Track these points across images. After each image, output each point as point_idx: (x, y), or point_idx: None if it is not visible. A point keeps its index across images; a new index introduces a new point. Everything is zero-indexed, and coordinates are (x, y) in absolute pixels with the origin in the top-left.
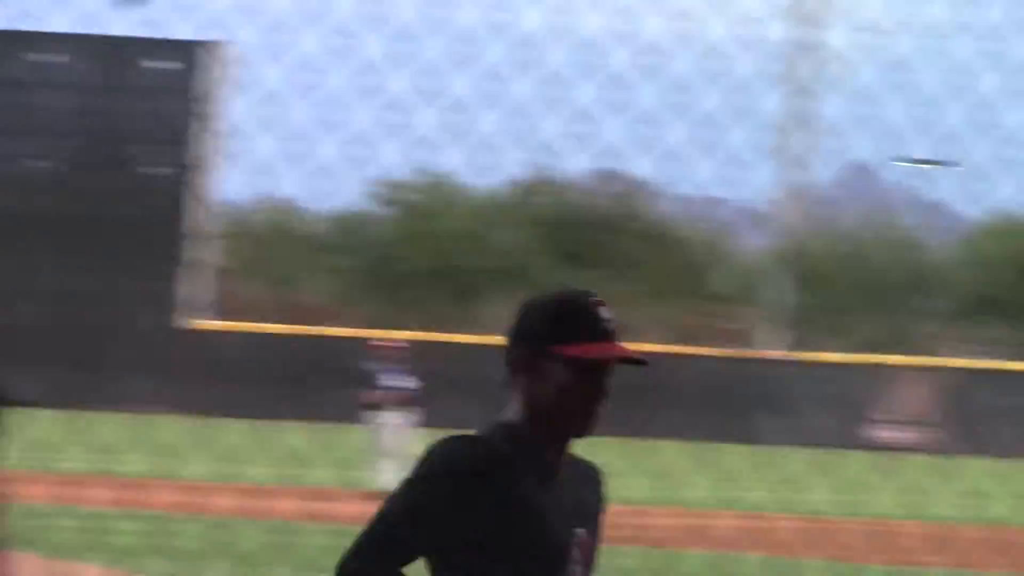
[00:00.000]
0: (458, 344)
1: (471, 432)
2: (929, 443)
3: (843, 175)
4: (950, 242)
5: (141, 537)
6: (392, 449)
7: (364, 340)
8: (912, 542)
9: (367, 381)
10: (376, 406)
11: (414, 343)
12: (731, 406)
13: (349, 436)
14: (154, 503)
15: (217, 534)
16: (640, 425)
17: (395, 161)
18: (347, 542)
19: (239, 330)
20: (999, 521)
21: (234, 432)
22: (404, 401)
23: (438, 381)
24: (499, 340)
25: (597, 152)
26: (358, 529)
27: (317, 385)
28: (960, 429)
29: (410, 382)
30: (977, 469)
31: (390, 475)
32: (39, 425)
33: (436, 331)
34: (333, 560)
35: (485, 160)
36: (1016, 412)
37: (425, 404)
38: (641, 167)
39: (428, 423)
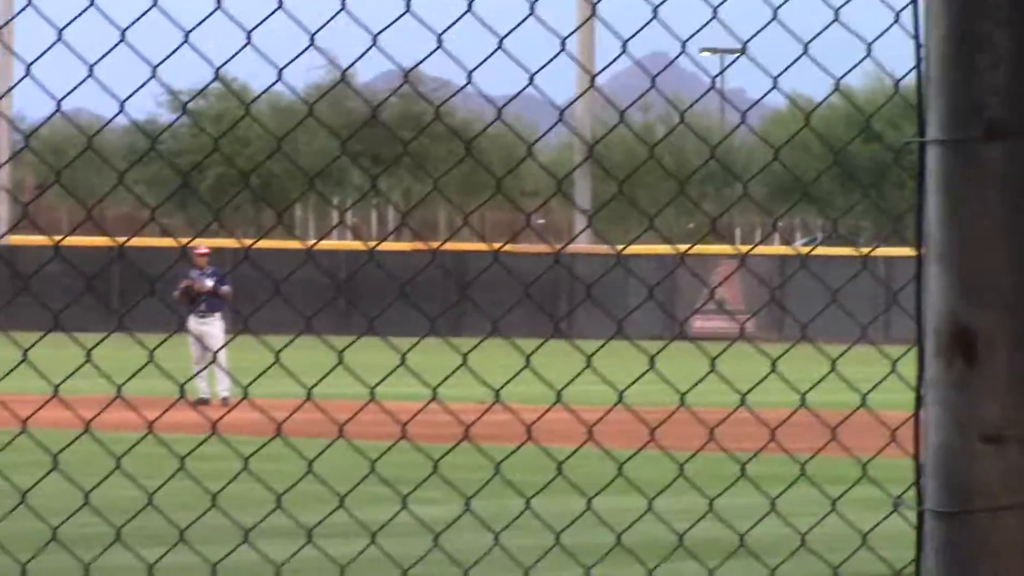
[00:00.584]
0: (270, 250)
1: None
2: (748, 331)
3: (644, 64)
4: (753, 128)
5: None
6: (204, 355)
7: (171, 249)
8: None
9: (180, 285)
10: (190, 305)
11: (225, 249)
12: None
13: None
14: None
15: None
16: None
17: (180, 67)
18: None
19: (41, 244)
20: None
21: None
22: (213, 305)
23: (251, 286)
24: (311, 243)
25: (393, 51)
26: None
27: (128, 296)
28: (772, 316)
29: (216, 285)
30: (799, 355)
31: (203, 381)
32: None
33: (248, 236)
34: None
35: (274, 63)
36: (827, 296)
37: (236, 308)
38: (438, 67)
39: (238, 327)
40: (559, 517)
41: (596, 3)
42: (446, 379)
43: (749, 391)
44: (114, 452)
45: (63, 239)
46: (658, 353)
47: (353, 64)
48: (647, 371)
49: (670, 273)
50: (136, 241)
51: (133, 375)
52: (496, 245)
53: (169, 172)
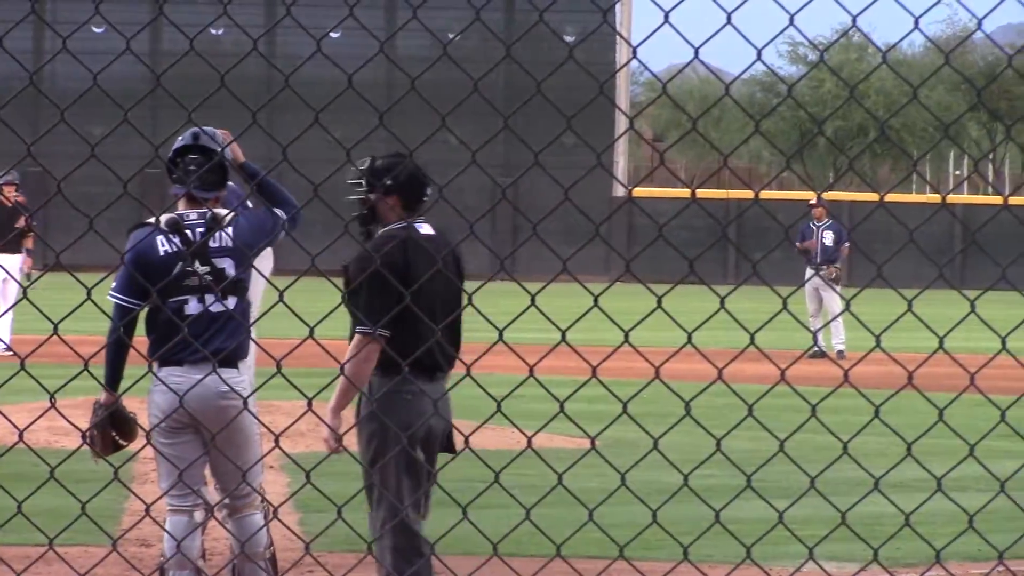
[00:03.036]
0: (889, 203)
1: None
2: None
3: None
4: None
5: None
6: (816, 308)
7: (789, 202)
8: None
9: (802, 239)
10: (810, 261)
11: (840, 202)
12: None
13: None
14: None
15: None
16: None
17: (809, 19)
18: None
19: (669, 196)
20: None
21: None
22: (829, 258)
23: (868, 239)
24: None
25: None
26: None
27: (748, 249)
28: None
29: (834, 240)
30: None
31: (819, 335)
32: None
33: (865, 191)
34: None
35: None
36: None
37: (851, 262)
38: None
39: (854, 282)
40: None
41: None
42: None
43: None
44: (746, 402)
45: (697, 187)
46: None
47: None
48: None
49: None
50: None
51: (764, 325)
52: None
53: (786, 125)
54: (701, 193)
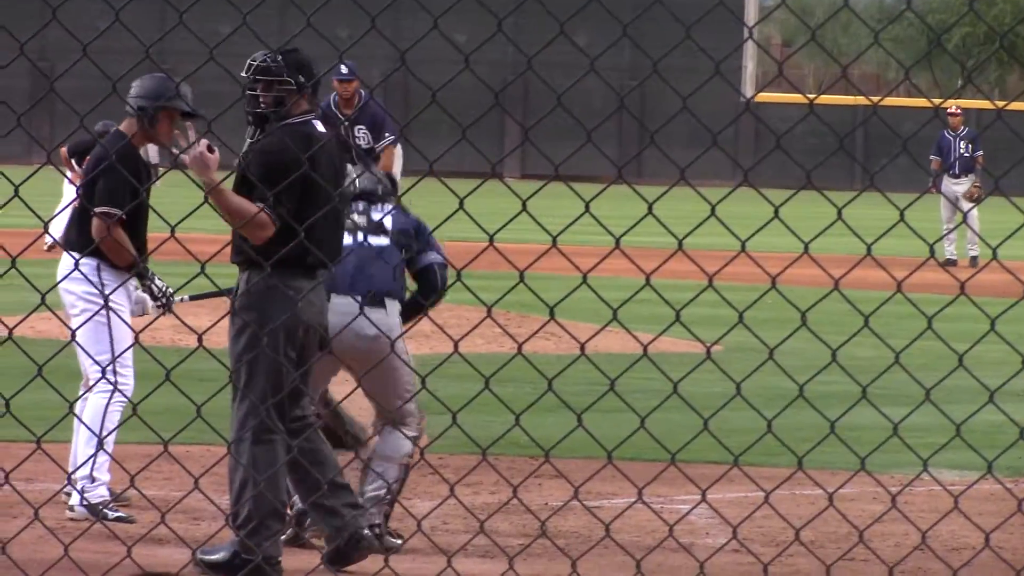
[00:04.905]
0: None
1: None
2: None
3: None
4: None
5: None
6: (950, 215)
7: (916, 109)
8: None
9: (938, 150)
10: (947, 170)
11: (971, 111)
12: None
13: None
14: None
15: None
16: None
17: None
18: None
19: (796, 102)
20: None
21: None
22: (965, 166)
23: (1000, 148)
24: None
25: None
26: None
27: (877, 154)
28: None
29: (971, 149)
30: None
31: (950, 242)
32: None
33: (995, 99)
34: None
35: None
36: None
37: (988, 172)
38: None
39: (993, 191)
40: None
41: None
42: None
43: None
44: (862, 312)
45: (816, 98)
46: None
47: None
48: None
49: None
50: (885, 100)
51: (883, 235)
52: None
53: (914, 31)
54: (828, 99)
